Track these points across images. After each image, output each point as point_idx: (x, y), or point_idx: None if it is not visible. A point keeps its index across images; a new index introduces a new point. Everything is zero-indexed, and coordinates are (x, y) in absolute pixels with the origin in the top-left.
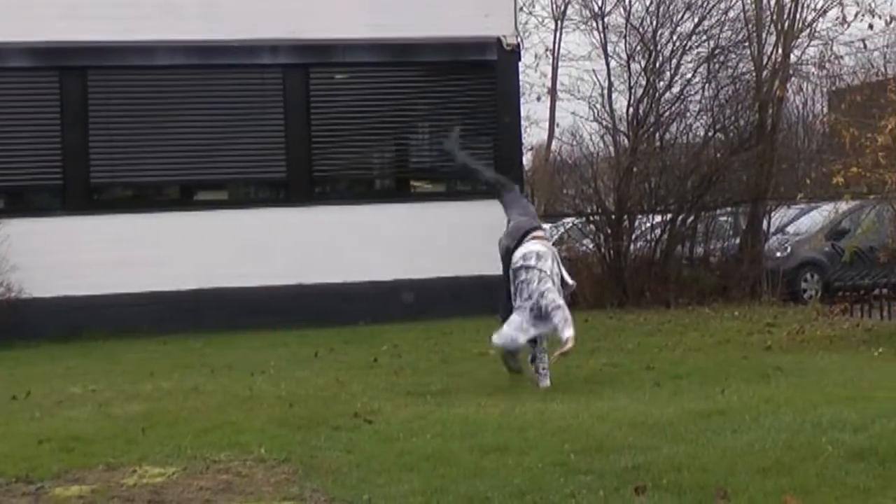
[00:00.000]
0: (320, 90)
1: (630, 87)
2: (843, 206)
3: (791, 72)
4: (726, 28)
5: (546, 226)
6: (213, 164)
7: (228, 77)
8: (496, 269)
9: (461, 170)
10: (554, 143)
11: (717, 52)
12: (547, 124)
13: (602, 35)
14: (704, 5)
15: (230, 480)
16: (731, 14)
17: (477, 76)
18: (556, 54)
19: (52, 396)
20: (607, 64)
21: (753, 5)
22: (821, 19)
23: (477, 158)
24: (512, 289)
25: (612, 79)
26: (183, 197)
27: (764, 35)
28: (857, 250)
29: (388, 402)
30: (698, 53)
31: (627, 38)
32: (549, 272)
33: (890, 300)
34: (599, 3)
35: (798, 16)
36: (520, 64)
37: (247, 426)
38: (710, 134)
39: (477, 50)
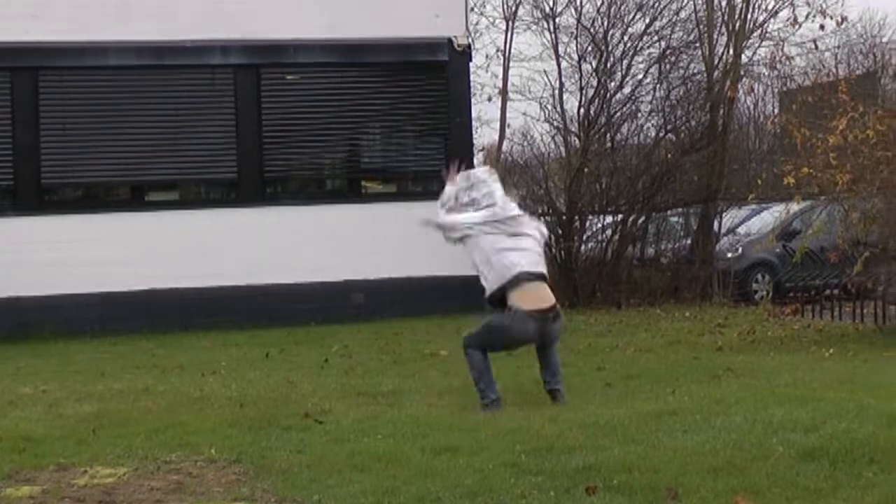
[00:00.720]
0: (271, 90)
1: (581, 88)
2: (794, 206)
3: (742, 72)
4: (677, 29)
5: None
6: (165, 165)
7: (179, 77)
8: (446, 269)
9: None
10: (505, 143)
11: (668, 52)
12: (498, 125)
13: (553, 36)
14: (656, 6)
15: (181, 481)
16: (683, 15)
17: (428, 77)
18: (507, 55)
19: (3, 397)
20: (558, 64)
21: (705, 6)
22: (772, 20)
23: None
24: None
25: (564, 79)
26: (134, 197)
27: (715, 36)
28: (808, 251)
29: (339, 403)
30: (649, 54)
31: (578, 38)
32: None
33: (841, 301)
34: (551, 4)
35: (749, 16)
36: (471, 64)
37: (197, 427)
38: (661, 134)
39: (428, 50)
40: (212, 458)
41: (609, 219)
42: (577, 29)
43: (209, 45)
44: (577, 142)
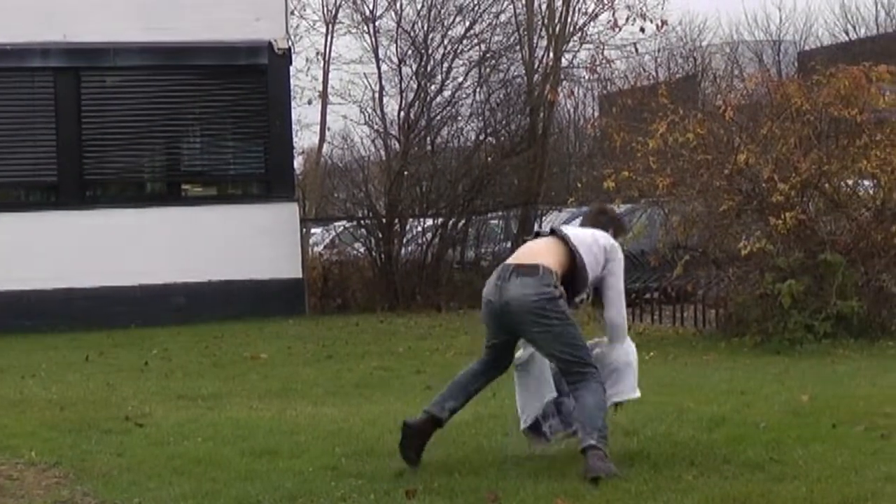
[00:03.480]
0: (91, 93)
1: (401, 91)
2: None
3: (562, 76)
4: (497, 32)
5: (317, 230)
6: None
7: None
8: (267, 273)
9: None
10: (325, 146)
11: (488, 56)
12: (318, 128)
13: (373, 39)
14: (476, 9)
15: (1, 483)
16: (503, 18)
17: (248, 80)
18: (327, 58)
19: None
20: (378, 68)
21: (524, 9)
22: (592, 23)
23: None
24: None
25: (384, 83)
26: None
27: (535, 39)
28: (629, 254)
29: (159, 406)
30: (470, 57)
31: (399, 41)
32: None
33: (661, 304)
34: (371, 7)
35: (569, 20)
36: (291, 68)
37: (17, 430)
38: (481, 138)
39: (248, 54)
40: (32, 461)
41: (429, 222)
42: (397, 32)
43: (28, 48)
44: (397, 145)
